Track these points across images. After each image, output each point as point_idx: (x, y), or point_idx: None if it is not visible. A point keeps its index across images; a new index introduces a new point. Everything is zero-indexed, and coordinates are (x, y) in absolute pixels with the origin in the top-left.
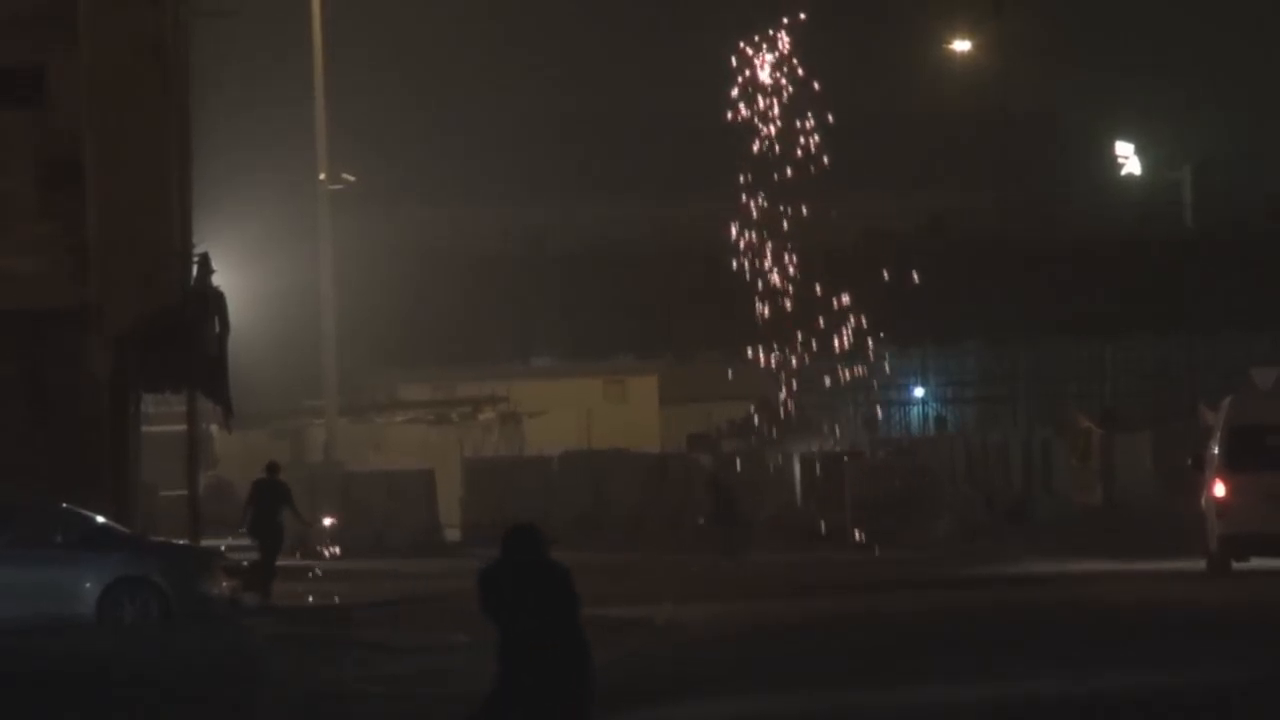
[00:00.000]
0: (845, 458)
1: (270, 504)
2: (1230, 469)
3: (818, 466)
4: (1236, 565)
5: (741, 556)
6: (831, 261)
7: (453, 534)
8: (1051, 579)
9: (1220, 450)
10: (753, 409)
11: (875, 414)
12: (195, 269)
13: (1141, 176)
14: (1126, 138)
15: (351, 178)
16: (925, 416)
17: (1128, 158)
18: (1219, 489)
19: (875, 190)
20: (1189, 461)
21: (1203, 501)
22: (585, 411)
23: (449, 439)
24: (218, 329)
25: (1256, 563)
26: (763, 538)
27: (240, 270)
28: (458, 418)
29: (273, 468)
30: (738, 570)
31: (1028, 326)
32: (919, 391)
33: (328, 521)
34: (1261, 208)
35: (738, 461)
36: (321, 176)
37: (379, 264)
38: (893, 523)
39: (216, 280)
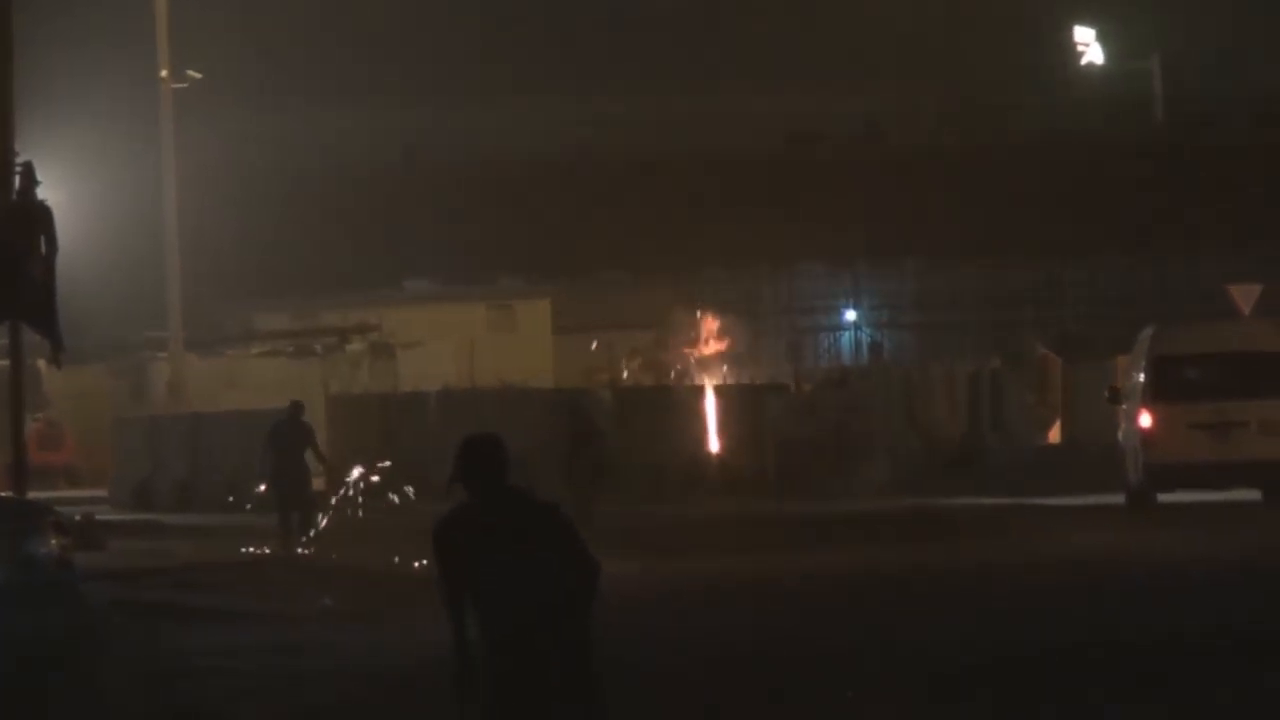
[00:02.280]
0: (766, 391)
1: (291, 447)
2: (1155, 400)
3: (734, 401)
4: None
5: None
6: (751, 168)
7: (318, 483)
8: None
9: (1144, 381)
10: (660, 336)
11: (801, 341)
12: (17, 180)
13: (1104, 66)
14: (1086, 22)
15: (198, 75)
16: (858, 344)
17: (1088, 45)
18: (1144, 419)
19: (802, 88)
20: (1105, 394)
21: (1120, 434)
22: (467, 341)
23: (312, 374)
24: (43, 249)
25: (1180, 495)
26: (671, 485)
27: (71, 182)
28: (322, 350)
29: (297, 406)
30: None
31: (975, 243)
32: (850, 315)
33: (355, 473)
34: (1242, 104)
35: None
36: (163, 73)
37: (231, 176)
38: (820, 467)
39: (42, 193)
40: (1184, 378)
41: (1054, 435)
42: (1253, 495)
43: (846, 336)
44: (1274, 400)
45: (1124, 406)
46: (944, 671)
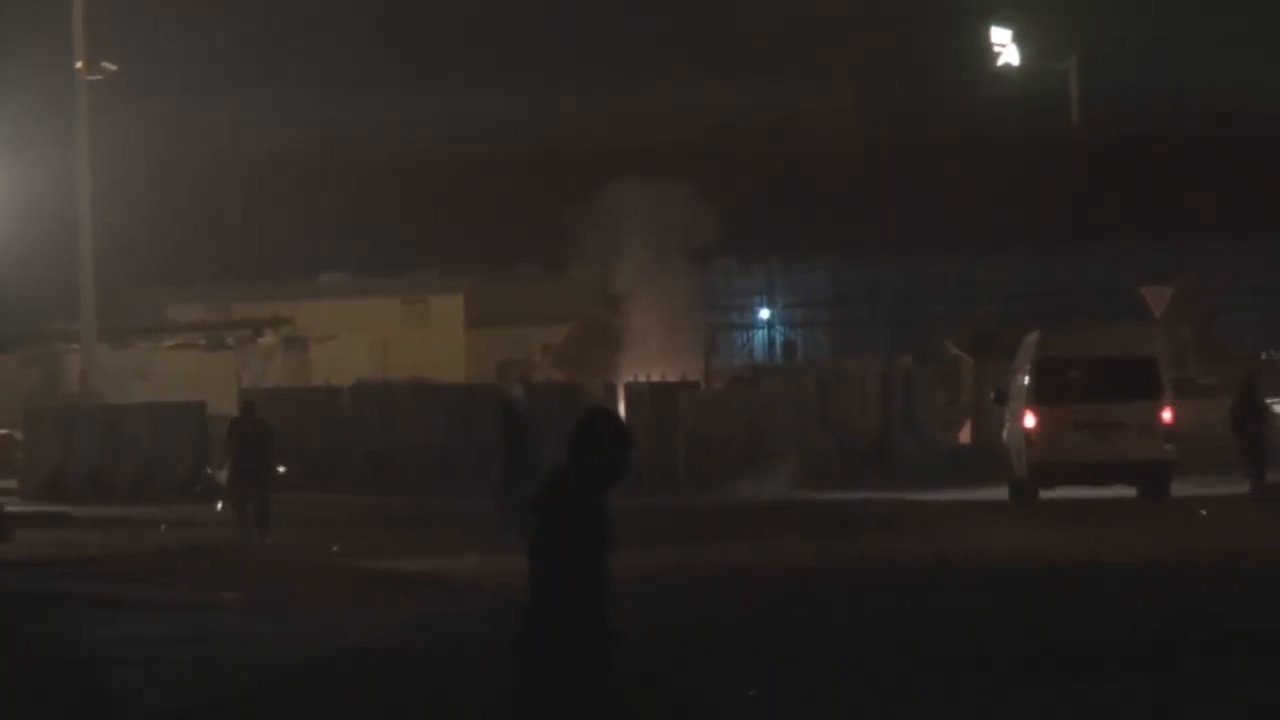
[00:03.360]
0: (678, 389)
1: (250, 442)
2: (1039, 400)
3: (646, 399)
4: (1044, 494)
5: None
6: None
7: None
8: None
9: (1029, 383)
10: (575, 332)
11: (714, 338)
12: None
13: (1021, 67)
14: (1003, 23)
15: (113, 67)
16: (772, 341)
17: (1005, 45)
18: (1028, 419)
19: (719, 80)
20: (992, 396)
21: (1005, 433)
22: (381, 336)
23: (225, 367)
24: None
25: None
26: None
27: None
28: (234, 342)
29: (249, 405)
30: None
31: (889, 241)
32: (764, 313)
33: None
34: (1154, 104)
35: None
36: (79, 65)
37: (145, 168)
38: (731, 464)
39: None
40: (1066, 380)
41: (965, 434)
42: (1128, 491)
43: (760, 334)
44: (1149, 402)
45: (1009, 406)
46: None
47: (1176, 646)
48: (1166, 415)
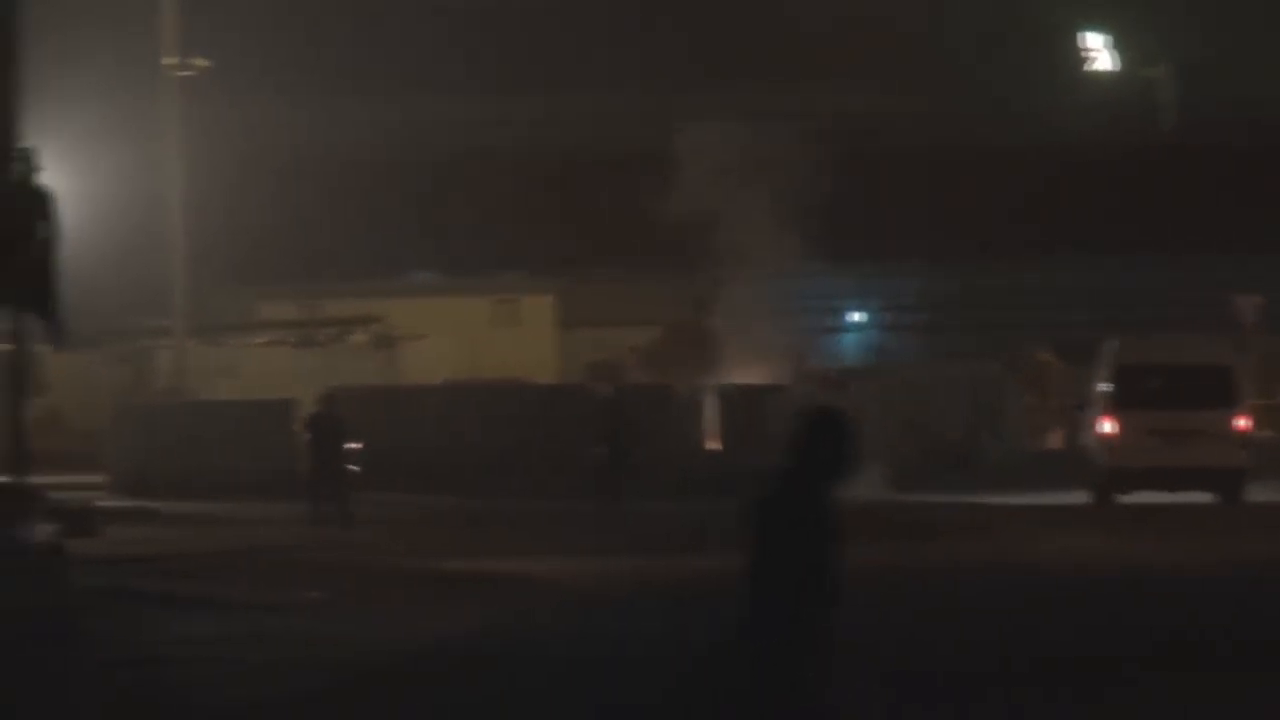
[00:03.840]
0: (767, 392)
1: (322, 440)
2: (1117, 407)
3: (734, 402)
4: (1121, 499)
5: (617, 505)
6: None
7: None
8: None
9: (1108, 389)
10: (665, 334)
11: (804, 342)
12: (18, 166)
13: (1113, 74)
14: (1097, 28)
15: (205, 63)
16: (862, 345)
17: (1099, 51)
18: (1106, 425)
19: (811, 83)
20: (1075, 403)
21: (1085, 438)
22: (471, 335)
23: (314, 365)
24: (45, 235)
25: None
26: (670, 482)
27: (74, 168)
28: (324, 341)
29: (328, 399)
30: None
31: (979, 246)
32: (855, 316)
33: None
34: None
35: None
36: (169, 61)
37: (237, 165)
38: None
39: (47, 177)
40: (1145, 387)
41: (1056, 439)
42: (1204, 498)
43: (851, 337)
44: (1225, 410)
45: (1089, 412)
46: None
47: None
48: (1242, 422)
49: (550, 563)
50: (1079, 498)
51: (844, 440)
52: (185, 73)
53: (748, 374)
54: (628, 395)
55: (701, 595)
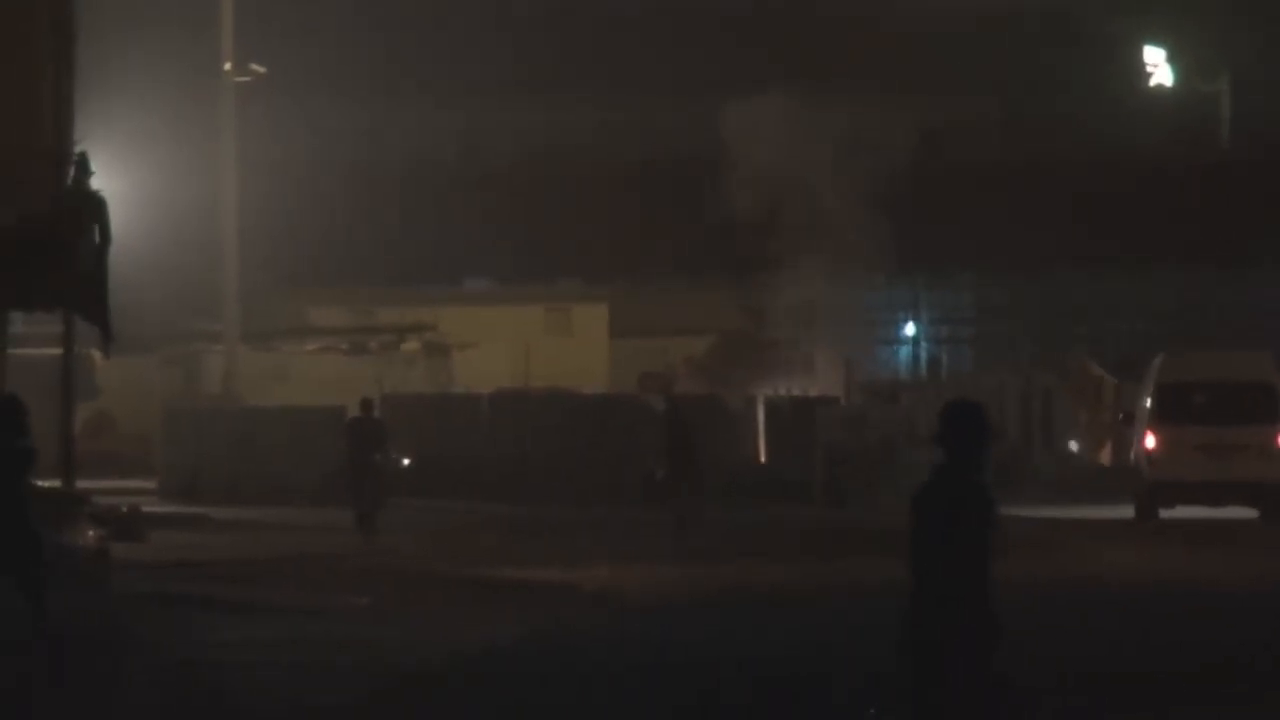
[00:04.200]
0: (817, 403)
1: (360, 445)
2: (1159, 422)
3: (785, 413)
4: (1164, 513)
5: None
6: (812, 178)
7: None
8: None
9: (1150, 405)
10: (717, 344)
11: (858, 354)
12: (71, 170)
13: (1173, 88)
14: (1157, 42)
15: (261, 69)
16: (916, 357)
17: (1157, 66)
18: (1149, 440)
19: (861, 96)
20: (1119, 417)
21: (1131, 454)
22: (523, 344)
23: (366, 372)
24: (97, 239)
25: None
26: (719, 491)
27: (127, 172)
28: (377, 347)
29: (367, 405)
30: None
31: (1034, 258)
32: (910, 329)
33: (405, 462)
34: None
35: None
36: (226, 66)
37: (290, 170)
38: (867, 479)
39: (98, 183)
40: (1187, 403)
41: (1106, 454)
42: (1249, 513)
43: (904, 350)
44: (1267, 426)
45: (1135, 427)
46: None
47: None
48: None
49: (597, 570)
50: (1126, 512)
51: (982, 430)
52: (242, 78)
53: (799, 385)
54: (685, 407)
55: (746, 603)
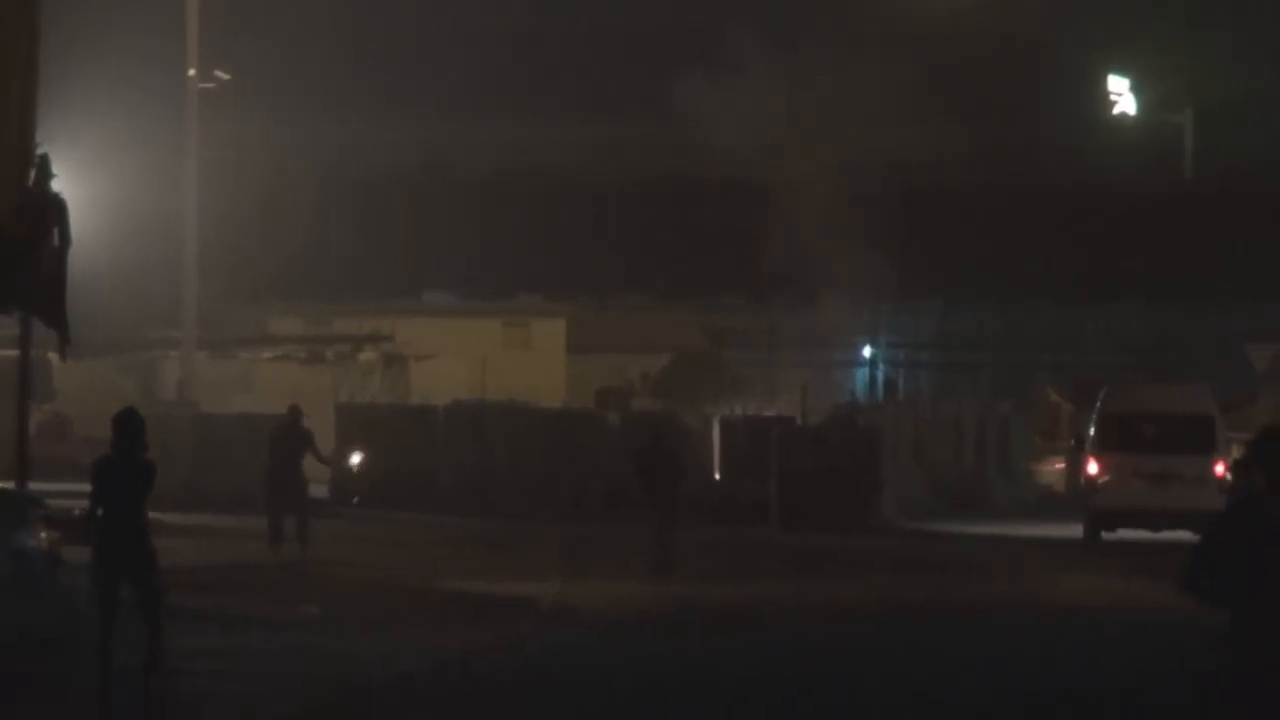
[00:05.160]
0: (772, 424)
1: (288, 452)
2: (1102, 449)
3: (740, 433)
4: (1106, 536)
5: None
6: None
7: (319, 490)
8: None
9: (1094, 433)
10: (675, 362)
11: (817, 375)
12: (33, 172)
13: (1136, 118)
14: (1121, 72)
15: (226, 75)
16: (874, 381)
17: (1120, 95)
18: (1091, 467)
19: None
20: (1071, 442)
21: (1082, 479)
22: (481, 357)
23: (323, 381)
24: (57, 242)
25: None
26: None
27: (89, 176)
28: (334, 357)
29: (293, 411)
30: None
31: (996, 286)
32: (867, 352)
33: (355, 459)
34: (1270, 160)
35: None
36: (191, 72)
37: (253, 179)
38: (822, 501)
39: (58, 186)
40: (1129, 432)
41: (1060, 482)
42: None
43: (862, 373)
44: (1204, 456)
45: (1081, 454)
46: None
47: None
48: (1219, 469)
49: (553, 585)
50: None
51: None
52: (206, 84)
53: (756, 406)
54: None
55: (706, 622)
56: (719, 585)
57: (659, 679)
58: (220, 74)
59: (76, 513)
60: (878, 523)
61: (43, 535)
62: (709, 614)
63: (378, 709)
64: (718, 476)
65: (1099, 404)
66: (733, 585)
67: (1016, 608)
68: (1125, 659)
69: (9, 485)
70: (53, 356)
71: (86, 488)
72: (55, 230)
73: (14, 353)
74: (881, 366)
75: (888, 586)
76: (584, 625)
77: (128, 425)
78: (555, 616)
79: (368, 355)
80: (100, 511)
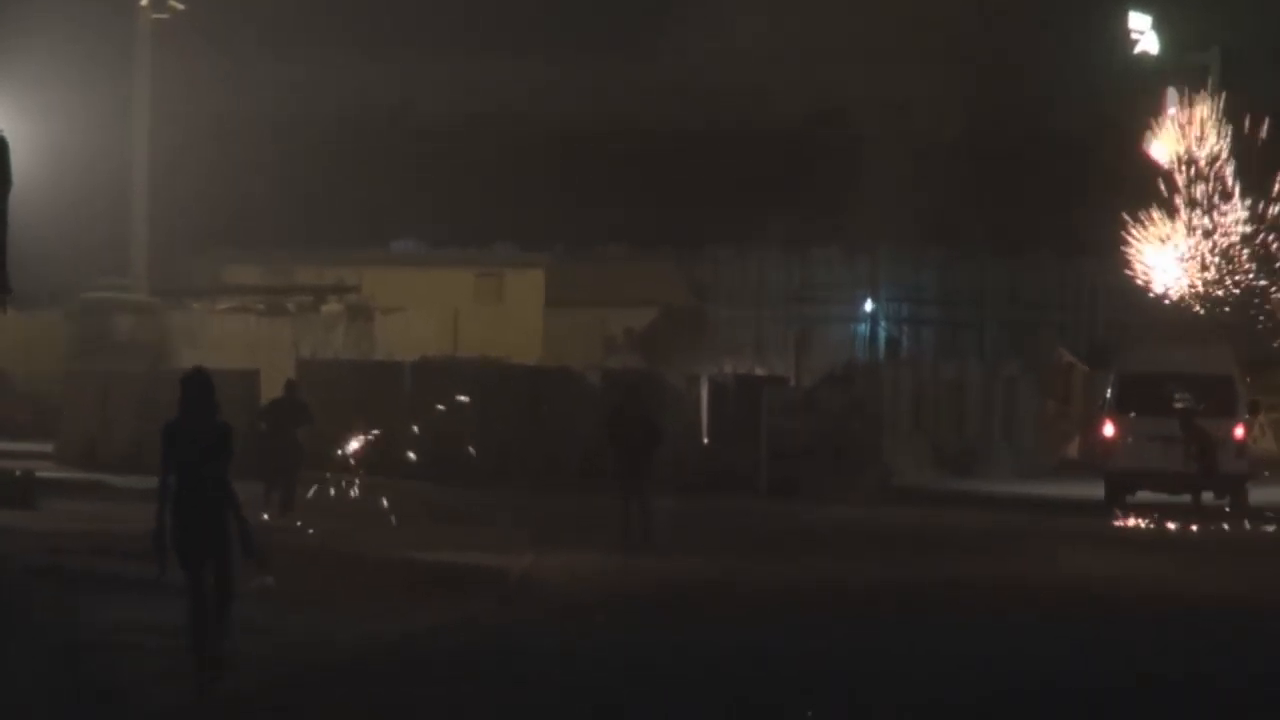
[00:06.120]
0: (763, 384)
1: (283, 426)
2: (1118, 412)
3: (729, 393)
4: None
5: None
6: (768, 146)
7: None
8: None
9: (1110, 395)
10: (660, 317)
11: (810, 332)
12: None
13: (1158, 58)
14: (1142, 8)
15: (181, 5)
16: (874, 337)
17: (1142, 33)
18: (1108, 429)
19: (828, 66)
20: (1100, 404)
21: (1098, 442)
22: (452, 310)
23: (283, 334)
24: None
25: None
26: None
27: (32, 114)
28: (295, 308)
29: (291, 385)
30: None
31: (1002, 239)
32: (869, 306)
33: (354, 445)
34: None
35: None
36: (143, 2)
37: (209, 119)
38: (815, 469)
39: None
40: (1148, 394)
41: (1073, 448)
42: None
43: (862, 329)
44: (1224, 419)
45: (1098, 416)
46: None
47: None
48: (1239, 431)
49: (524, 557)
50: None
51: None
52: (160, 15)
53: (747, 364)
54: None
55: (683, 597)
56: (695, 559)
57: (625, 666)
58: (174, 3)
59: (16, 474)
60: (873, 493)
61: None
62: (685, 592)
63: (322, 690)
64: (706, 441)
65: (1119, 364)
66: (709, 559)
67: (1009, 593)
68: (1125, 659)
69: None
70: None
71: (30, 448)
72: None
73: None
74: (882, 323)
75: (876, 569)
76: (552, 600)
77: (197, 386)
78: (521, 591)
79: (331, 307)
80: (172, 483)
